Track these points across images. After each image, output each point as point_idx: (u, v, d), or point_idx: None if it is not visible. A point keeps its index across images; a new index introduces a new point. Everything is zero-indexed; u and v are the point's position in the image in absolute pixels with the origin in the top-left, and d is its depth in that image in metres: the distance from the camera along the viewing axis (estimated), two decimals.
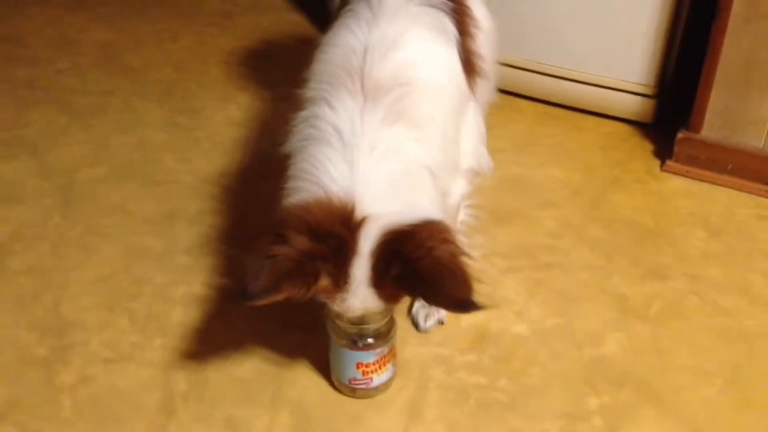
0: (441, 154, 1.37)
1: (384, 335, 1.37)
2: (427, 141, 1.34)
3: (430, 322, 1.58)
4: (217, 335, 1.57)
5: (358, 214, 1.18)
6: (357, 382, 1.40)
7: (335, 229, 1.17)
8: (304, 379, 1.48)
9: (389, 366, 1.42)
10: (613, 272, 1.74)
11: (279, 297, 1.15)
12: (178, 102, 2.44)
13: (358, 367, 1.38)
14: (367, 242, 1.18)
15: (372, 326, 1.35)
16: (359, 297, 1.21)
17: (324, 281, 1.20)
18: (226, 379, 1.48)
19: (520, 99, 2.42)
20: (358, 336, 1.36)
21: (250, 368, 1.50)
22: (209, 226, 1.88)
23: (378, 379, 1.41)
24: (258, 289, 1.14)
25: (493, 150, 2.13)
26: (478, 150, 1.68)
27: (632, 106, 2.28)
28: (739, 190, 2.03)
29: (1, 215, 1.92)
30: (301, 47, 2.32)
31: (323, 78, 1.38)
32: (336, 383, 1.44)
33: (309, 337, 1.56)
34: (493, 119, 2.26)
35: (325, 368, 1.49)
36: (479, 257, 1.71)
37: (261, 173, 2.06)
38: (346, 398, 1.44)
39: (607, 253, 1.80)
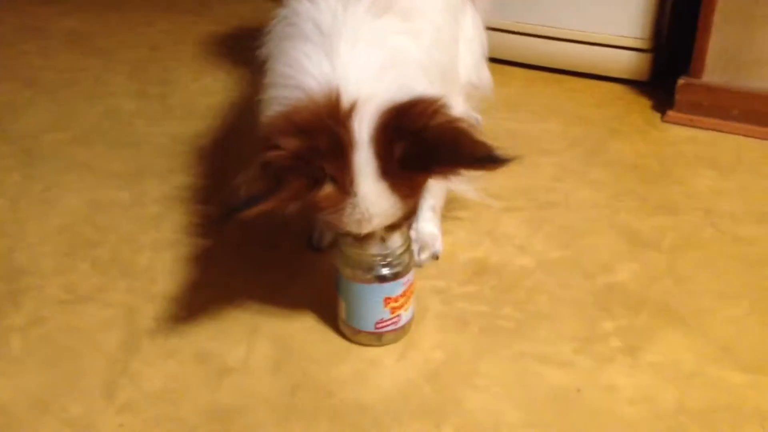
0: (435, 52, 1.25)
1: (407, 259, 1.20)
2: (418, 35, 1.21)
3: (424, 255, 1.43)
4: (190, 277, 1.42)
5: (346, 101, 1.04)
6: (385, 324, 1.22)
7: (325, 124, 1.03)
8: (286, 314, 1.32)
9: (413, 299, 1.24)
10: (620, 209, 1.61)
11: (282, 195, 1.00)
12: (151, 75, 2.32)
13: (386, 304, 1.20)
14: (362, 128, 1.04)
15: (396, 246, 1.17)
16: (371, 196, 1.05)
17: (327, 188, 1.05)
18: (199, 315, 1.32)
19: (508, 66, 2.32)
20: (382, 263, 1.18)
21: (227, 305, 1.34)
22: (181, 181, 1.73)
23: (405, 315, 1.23)
24: (258, 192, 0.99)
25: (481, 109, 2.02)
26: (479, 63, 1.55)
27: (626, 63, 2.18)
28: (747, 135, 1.91)
29: None
30: None
31: None
32: (351, 334, 1.24)
33: (290, 278, 1.41)
34: None
35: (310, 305, 1.33)
36: (475, 197, 1.57)
37: (237, 133, 1.93)
38: (332, 329, 1.28)
39: (612, 193, 1.67)
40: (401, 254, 1.19)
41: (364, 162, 1.04)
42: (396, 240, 1.17)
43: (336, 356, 1.23)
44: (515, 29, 2.27)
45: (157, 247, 1.50)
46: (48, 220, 1.59)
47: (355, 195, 1.05)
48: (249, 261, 1.46)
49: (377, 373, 1.20)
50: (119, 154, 1.86)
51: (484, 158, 1.02)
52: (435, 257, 1.45)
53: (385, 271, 1.18)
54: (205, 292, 1.37)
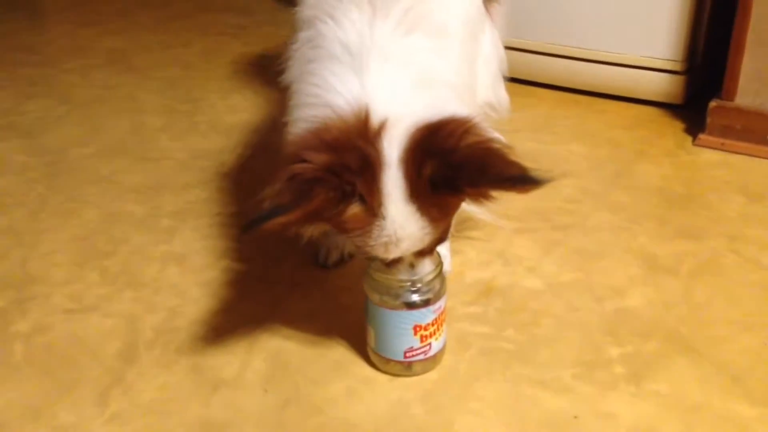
0: (463, 71, 1.23)
1: (438, 286, 1.15)
2: (446, 53, 1.18)
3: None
4: (193, 290, 1.42)
5: (375, 120, 1.01)
6: (414, 353, 1.17)
7: (354, 143, 1.00)
8: (284, 329, 1.30)
9: (444, 327, 1.19)
10: (639, 233, 1.56)
11: (309, 207, 0.96)
12: (181, 93, 2.36)
13: (415, 332, 1.15)
14: (392, 148, 1.00)
15: (426, 272, 1.13)
16: (399, 219, 1.01)
17: (355, 207, 1.01)
18: (198, 329, 1.31)
19: (537, 87, 2.29)
20: (411, 289, 1.13)
21: (227, 319, 1.34)
22: (196, 195, 1.75)
23: (436, 344, 1.18)
24: (284, 202, 0.95)
25: (506, 129, 1.98)
26: (496, 83, 1.53)
27: (658, 85, 2.12)
28: None
29: None
30: None
31: None
32: (381, 364, 1.20)
33: (292, 294, 1.40)
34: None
35: (310, 321, 1.32)
36: (488, 218, 1.53)
37: (258, 150, 1.94)
38: (328, 346, 1.26)
39: (632, 216, 1.62)
40: (431, 280, 1.14)
41: (393, 183, 1.00)
42: (426, 266, 1.13)
43: (330, 373, 1.21)
44: (545, 50, 2.24)
45: (166, 259, 1.51)
46: (64, 231, 1.62)
47: (384, 217, 1.01)
48: (254, 276, 1.45)
49: (370, 392, 1.17)
50: (140, 168, 1.89)
51: (516, 179, 0.97)
52: None
53: (415, 297, 1.14)
54: (208, 306, 1.37)
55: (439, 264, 1.16)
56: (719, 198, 1.68)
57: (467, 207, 1.41)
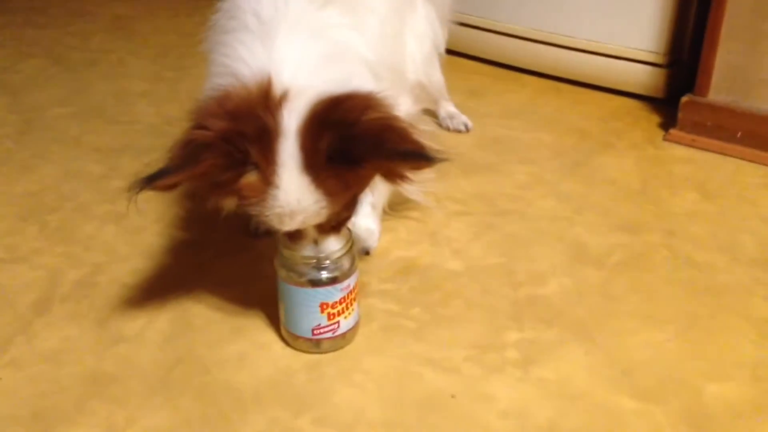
0: (380, 48, 1.21)
1: (347, 264, 1.15)
2: (363, 29, 1.18)
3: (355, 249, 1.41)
4: (123, 249, 1.45)
5: (277, 89, 1.01)
6: (321, 330, 1.16)
7: (254, 111, 1.00)
8: (199, 293, 1.33)
9: (355, 306, 1.19)
10: (578, 223, 1.54)
11: (195, 171, 0.97)
12: (171, 60, 2.40)
13: (322, 310, 1.14)
14: (291, 119, 1.00)
15: (332, 250, 1.12)
16: (293, 190, 1.00)
17: (251, 176, 1.01)
18: (115, 286, 1.35)
19: (522, 73, 2.26)
20: (317, 267, 1.13)
21: (146, 280, 1.37)
22: (156, 159, 1.77)
23: (345, 323, 1.18)
24: (173, 164, 0.97)
25: (478, 114, 1.99)
26: (429, 61, 1.51)
27: (640, 77, 2.08)
28: (750, 160, 1.79)
29: None
30: None
31: None
32: (291, 339, 1.20)
33: (216, 258, 1.42)
34: (489, 90, 2.12)
35: (227, 286, 1.34)
36: (430, 200, 1.53)
37: None
38: (235, 312, 1.28)
39: (576, 207, 1.59)
40: (339, 258, 1.13)
41: (289, 153, 1.00)
42: (332, 243, 1.13)
43: (228, 337, 1.23)
44: (530, 36, 2.21)
45: (106, 218, 1.55)
46: (19, 186, 1.67)
47: (277, 187, 1.00)
48: (185, 241, 1.48)
49: (261, 357, 1.19)
50: (110, 130, 1.93)
51: (409, 154, 0.98)
52: (366, 253, 1.43)
53: (321, 274, 1.13)
54: (133, 265, 1.40)
55: (349, 241, 1.15)
56: (671, 194, 1.64)
57: (400, 188, 1.41)
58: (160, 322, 1.26)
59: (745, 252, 1.44)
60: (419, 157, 0.98)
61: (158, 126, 1.95)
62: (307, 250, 1.13)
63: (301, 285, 1.14)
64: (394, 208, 1.52)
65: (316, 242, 1.12)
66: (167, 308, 1.29)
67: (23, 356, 1.19)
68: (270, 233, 1.43)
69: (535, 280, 1.36)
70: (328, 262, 1.13)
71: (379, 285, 1.35)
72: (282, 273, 1.15)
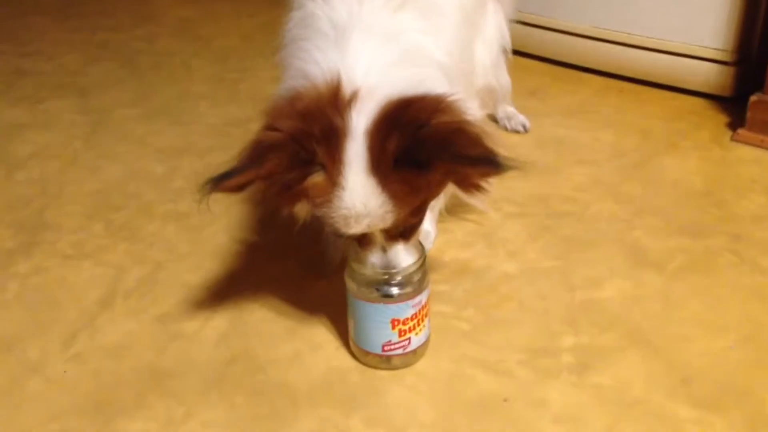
0: (453, 54, 1.20)
1: (419, 280, 1.11)
2: (437, 34, 1.17)
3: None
4: (183, 247, 1.49)
5: (347, 89, 1.00)
6: (392, 347, 1.13)
7: (323, 111, 0.99)
8: (257, 294, 1.34)
9: (426, 321, 1.16)
10: (638, 226, 1.51)
11: (262, 171, 0.97)
12: (233, 62, 2.44)
13: (393, 326, 1.12)
14: (360, 119, 0.99)
15: (401, 261, 1.09)
16: (359, 191, 0.98)
17: (317, 176, 1.00)
18: (176, 284, 1.38)
19: (585, 72, 2.23)
20: (388, 282, 1.10)
21: (205, 277, 1.40)
22: (216, 158, 1.81)
23: (416, 339, 1.14)
24: (239, 164, 0.97)
25: (537, 114, 1.97)
26: (498, 64, 1.50)
27: (706, 75, 2.03)
28: None
29: (29, 138, 1.96)
30: None
31: None
32: (361, 355, 1.17)
33: (276, 257, 1.44)
34: (548, 89, 2.10)
35: (280, 284, 1.36)
36: (486, 202, 1.52)
37: None
38: (287, 309, 1.30)
39: (636, 209, 1.56)
40: (411, 273, 1.10)
41: (356, 154, 0.98)
42: (403, 256, 1.10)
43: (283, 336, 1.25)
44: (592, 34, 2.18)
45: (168, 217, 1.59)
46: (86, 184, 1.73)
47: (343, 188, 0.99)
48: (238, 239, 1.51)
49: (315, 356, 1.20)
50: (173, 131, 1.98)
51: (479, 160, 0.95)
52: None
53: (393, 290, 1.10)
54: (189, 263, 1.43)
55: (422, 257, 1.12)
56: (737, 196, 1.60)
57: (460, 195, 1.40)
58: (217, 319, 1.29)
59: None
60: (490, 163, 0.95)
61: (219, 127, 1.99)
62: (376, 258, 1.10)
63: (372, 300, 1.11)
64: (451, 210, 1.52)
65: (384, 249, 1.10)
66: (224, 306, 1.32)
67: (87, 350, 1.23)
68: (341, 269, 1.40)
69: (591, 284, 1.34)
70: (399, 277, 1.10)
71: (433, 286, 1.34)
72: (353, 287, 1.13)
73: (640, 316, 1.26)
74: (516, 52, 2.24)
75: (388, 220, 1.03)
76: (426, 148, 0.96)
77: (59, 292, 1.37)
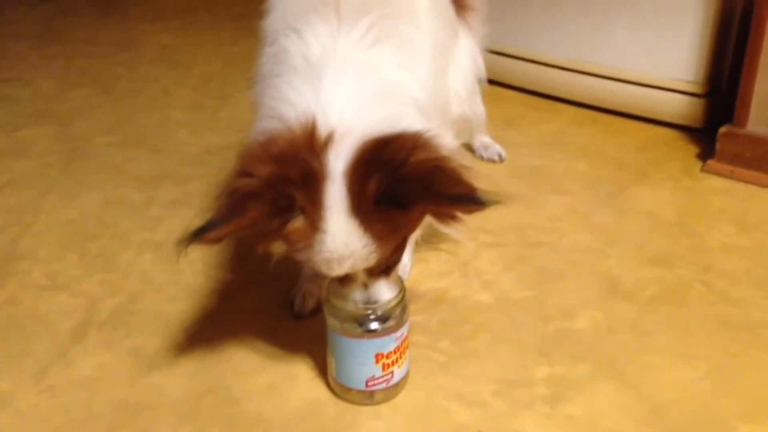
0: (429, 87, 1.19)
1: (400, 312, 1.11)
2: (412, 68, 1.16)
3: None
4: (159, 277, 1.49)
5: (323, 131, 0.99)
6: (376, 381, 1.13)
7: (299, 155, 0.97)
8: (232, 325, 1.34)
9: (407, 354, 1.16)
10: (611, 255, 1.52)
11: (242, 222, 0.94)
12: (212, 89, 2.45)
13: (377, 360, 1.11)
14: (338, 161, 0.97)
15: (383, 295, 1.09)
16: (341, 234, 0.98)
17: (297, 221, 0.99)
18: (151, 315, 1.38)
19: (560, 102, 2.26)
20: (372, 317, 1.10)
21: (179, 308, 1.39)
22: (194, 187, 1.82)
23: (399, 372, 1.15)
24: (218, 216, 0.94)
25: (513, 143, 1.99)
26: (472, 94, 1.51)
27: (678, 107, 2.07)
28: None
29: (5, 166, 1.96)
30: None
31: (290, 5, 1.20)
32: (342, 392, 1.16)
33: (246, 286, 1.43)
34: (524, 119, 2.12)
35: (255, 315, 1.36)
36: (462, 232, 1.53)
37: None
38: (262, 340, 1.30)
39: (610, 239, 1.58)
40: (393, 307, 1.10)
41: (336, 196, 0.97)
42: (384, 290, 1.09)
43: (258, 367, 1.25)
44: (567, 66, 2.22)
45: (144, 247, 1.58)
46: (62, 213, 1.72)
47: (324, 231, 0.98)
48: (214, 270, 1.50)
49: (290, 388, 1.20)
50: (151, 158, 1.98)
51: (460, 197, 0.95)
52: None
53: (376, 324, 1.10)
54: (165, 293, 1.43)
55: (402, 290, 1.12)
56: (708, 227, 1.62)
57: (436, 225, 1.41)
58: (191, 351, 1.29)
59: None
60: (471, 200, 0.95)
61: (198, 155, 1.99)
62: (358, 295, 1.09)
63: (356, 336, 1.10)
64: (426, 239, 1.53)
65: (365, 286, 1.09)
66: (199, 337, 1.32)
67: (59, 383, 1.22)
68: (317, 312, 1.36)
69: (565, 314, 1.35)
70: (381, 311, 1.10)
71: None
72: (335, 324, 1.12)
73: (612, 346, 1.27)
74: (493, 82, 2.28)
75: (371, 260, 1.02)
76: (406, 188, 0.96)
77: (32, 324, 1.36)
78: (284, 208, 0.98)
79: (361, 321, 1.10)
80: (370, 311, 1.09)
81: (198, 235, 0.96)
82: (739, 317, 1.34)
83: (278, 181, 0.96)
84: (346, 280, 1.09)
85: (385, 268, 1.09)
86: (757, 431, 1.10)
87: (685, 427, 1.10)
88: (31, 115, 2.26)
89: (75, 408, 1.17)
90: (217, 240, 0.98)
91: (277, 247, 1.11)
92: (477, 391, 1.19)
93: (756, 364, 1.22)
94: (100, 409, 1.17)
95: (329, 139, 0.99)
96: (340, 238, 0.98)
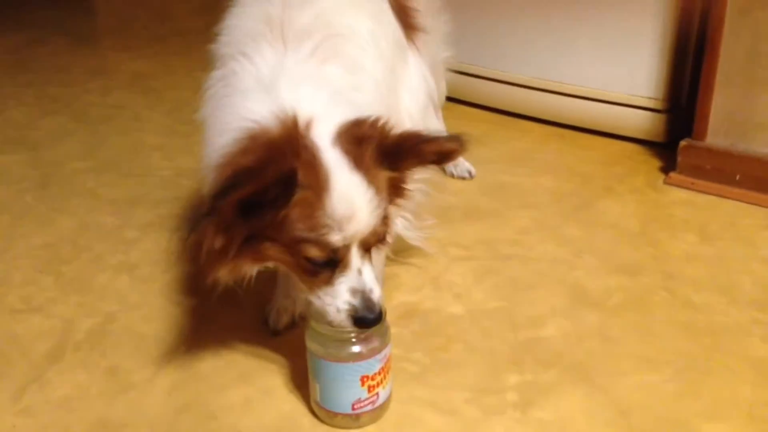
0: (377, 106, 1.22)
1: (385, 330, 1.13)
2: (361, 89, 1.21)
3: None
4: (134, 298, 1.50)
5: (302, 119, 1.05)
6: (362, 404, 1.13)
7: (289, 136, 1.03)
8: (208, 341, 1.36)
9: (390, 374, 1.17)
10: (578, 266, 1.57)
11: (245, 191, 0.97)
12: (185, 114, 2.45)
13: (363, 383, 1.12)
14: (324, 140, 1.05)
15: (378, 291, 1.09)
16: (348, 188, 1.02)
17: (302, 194, 1.01)
18: (127, 335, 1.39)
19: (527, 120, 2.32)
20: (356, 340, 1.10)
21: (155, 327, 1.41)
22: (167, 210, 1.84)
23: (383, 393, 1.15)
24: (219, 191, 0.98)
25: (482, 160, 2.03)
26: (426, 112, 1.56)
27: (640, 122, 2.13)
28: (749, 202, 1.82)
29: None
30: None
31: (239, 31, 1.24)
32: (327, 417, 1.16)
33: (222, 306, 1.45)
34: (493, 137, 2.17)
35: (230, 332, 1.38)
36: (433, 246, 1.57)
37: None
38: (237, 355, 1.32)
39: (576, 250, 1.63)
40: (378, 328, 1.11)
41: (335, 159, 1.03)
42: (375, 281, 1.10)
43: (235, 382, 1.26)
44: (534, 85, 2.27)
45: (120, 269, 1.60)
46: (36, 238, 1.73)
47: (332, 189, 1.02)
48: (189, 289, 1.52)
49: (266, 402, 1.22)
50: (125, 183, 2.00)
51: (441, 138, 1.09)
52: None
53: (361, 347, 1.10)
54: (141, 313, 1.45)
55: (385, 312, 1.12)
56: (670, 236, 1.67)
57: (402, 232, 1.45)
58: (168, 368, 1.30)
59: (743, 293, 1.46)
60: (453, 139, 1.10)
61: (171, 178, 2.01)
62: (350, 281, 1.08)
63: (342, 360, 1.11)
64: (398, 254, 1.56)
65: (360, 272, 1.08)
66: (175, 355, 1.33)
67: (37, 404, 1.23)
68: (293, 326, 1.39)
69: (534, 323, 1.39)
70: (365, 334, 1.10)
71: None
72: (318, 350, 1.12)
73: (580, 352, 1.31)
74: (462, 102, 2.35)
75: (374, 219, 1.06)
76: (396, 151, 1.07)
77: (8, 347, 1.37)
78: (288, 179, 1.00)
79: (347, 344, 1.11)
80: (353, 334, 1.10)
81: (220, 198, 0.98)
82: (701, 322, 1.38)
83: (277, 155, 1.01)
84: (341, 267, 1.08)
85: (375, 241, 1.11)
86: (718, 430, 1.13)
87: (651, 428, 1.14)
88: (4, 142, 2.27)
89: (53, 428, 1.18)
90: (239, 204, 0.99)
91: (225, 276, 1.13)
92: (450, 400, 1.21)
93: (718, 367, 1.27)
94: (77, 429, 1.18)
95: (310, 124, 1.05)
96: (348, 192, 1.03)
